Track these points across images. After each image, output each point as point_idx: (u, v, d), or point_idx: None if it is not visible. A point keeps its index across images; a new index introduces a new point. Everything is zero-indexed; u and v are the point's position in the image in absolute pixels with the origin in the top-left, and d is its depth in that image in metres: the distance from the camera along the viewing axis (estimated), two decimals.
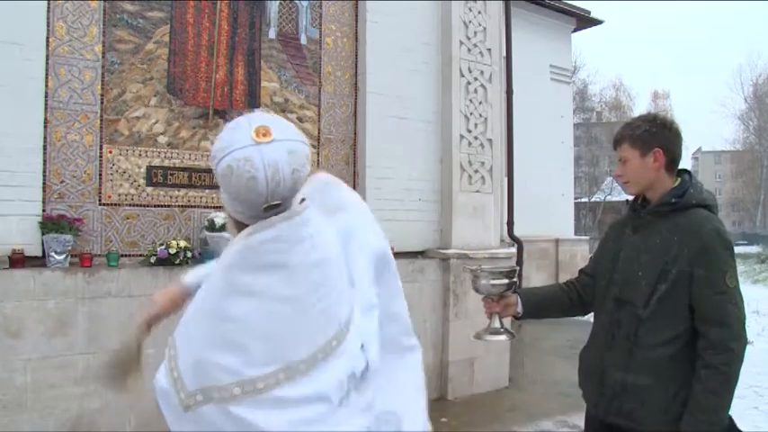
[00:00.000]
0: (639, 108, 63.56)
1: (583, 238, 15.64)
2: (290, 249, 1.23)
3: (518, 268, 2.27)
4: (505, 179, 7.67)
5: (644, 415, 2.07)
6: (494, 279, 2.16)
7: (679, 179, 2.17)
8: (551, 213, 12.65)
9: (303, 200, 1.32)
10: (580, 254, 14.31)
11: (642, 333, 2.08)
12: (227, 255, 1.27)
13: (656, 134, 2.13)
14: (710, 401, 1.94)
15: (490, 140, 6.23)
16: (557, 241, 13.30)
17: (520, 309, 2.28)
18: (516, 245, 7.64)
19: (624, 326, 2.13)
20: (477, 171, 6.11)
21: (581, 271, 2.51)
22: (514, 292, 2.28)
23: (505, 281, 2.15)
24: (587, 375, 2.31)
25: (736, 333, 1.96)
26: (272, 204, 1.23)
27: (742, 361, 1.98)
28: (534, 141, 11.44)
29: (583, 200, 44.73)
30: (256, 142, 1.20)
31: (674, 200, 2.11)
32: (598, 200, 47.28)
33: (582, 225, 38.83)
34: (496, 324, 2.21)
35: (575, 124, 23.08)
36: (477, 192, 6.11)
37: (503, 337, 2.21)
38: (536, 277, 12.52)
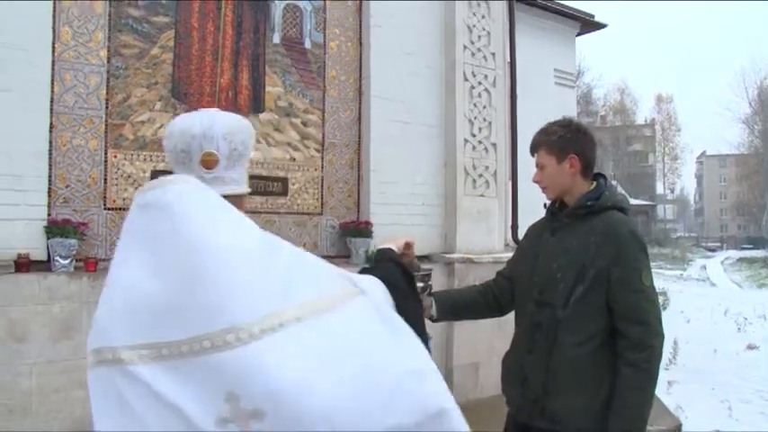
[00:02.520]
0: (643, 111, 63.63)
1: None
2: (155, 218, 1.21)
3: (431, 271, 2.27)
4: (510, 183, 7.65)
5: (566, 416, 2.10)
6: None
7: (595, 183, 2.24)
8: None
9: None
10: None
11: (561, 334, 2.12)
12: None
13: (571, 140, 2.19)
14: (635, 398, 2.00)
15: (494, 145, 6.23)
16: None
17: (434, 311, 2.30)
18: None
19: (544, 328, 2.16)
20: (481, 175, 6.11)
21: (498, 273, 2.55)
22: (429, 295, 2.29)
23: (420, 284, 2.11)
24: (510, 380, 2.34)
25: (654, 330, 2.02)
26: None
27: (661, 357, 2.05)
28: None
29: None
30: (202, 109, 1.44)
31: (589, 203, 2.17)
32: None
33: None
34: None
35: None
36: (482, 196, 6.11)
37: None
38: None
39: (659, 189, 66.37)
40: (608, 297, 2.07)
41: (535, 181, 2.31)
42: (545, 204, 2.40)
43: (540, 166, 2.26)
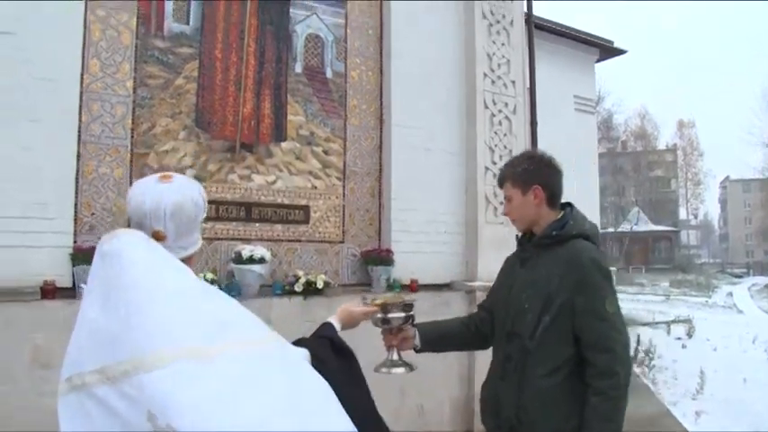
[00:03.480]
0: (665, 137, 63.19)
1: (610, 269, 15.45)
2: (103, 263, 1.47)
3: (414, 302, 2.25)
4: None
5: None
6: (391, 312, 2.17)
7: (562, 212, 2.27)
8: None
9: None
10: None
11: (530, 364, 2.13)
12: None
13: (535, 172, 2.25)
14: (604, 427, 2.01)
15: None
16: None
17: (418, 342, 2.32)
18: None
19: (514, 359, 2.19)
20: (502, 203, 6.07)
21: (479, 305, 2.60)
22: (413, 326, 2.31)
23: (402, 314, 2.17)
24: (486, 410, 2.36)
25: (620, 358, 2.04)
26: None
27: (628, 384, 2.05)
28: None
29: (609, 230, 44.25)
30: (157, 181, 1.60)
31: (554, 232, 2.21)
32: (624, 230, 46.76)
33: (608, 256, 38.40)
34: (395, 357, 2.22)
35: (600, 154, 22.96)
36: (502, 224, 6.08)
37: (401, 370, 2.19)
38: None
39: (682, 215, 65.58)
40: (574, 326, 2.09)
41: (504, 213, 2.39)
42: (516, 236, 2.45)
43: (507, 199, 2.34)
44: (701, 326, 13.72)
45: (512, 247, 6.06)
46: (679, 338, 12.07)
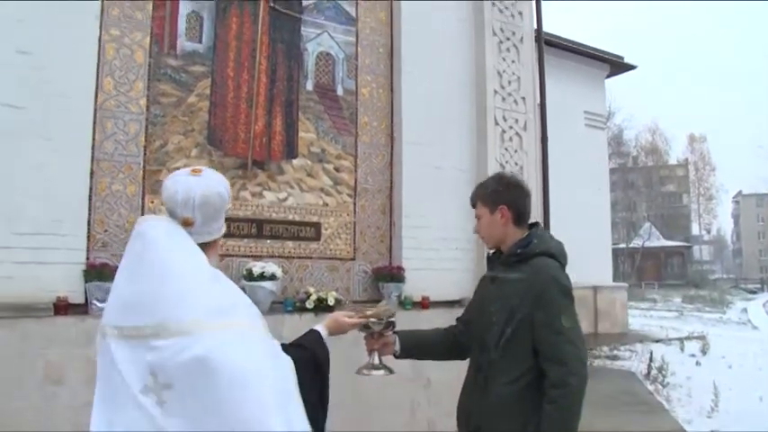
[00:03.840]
0: (676, 152, 62.94)
1: (621, 285, 15.34)
2: (134, 253, 1.73)
3: (394, 311, 2.40)
4: (541, 226, 7.61)
5: None
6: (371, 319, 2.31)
7: (527, 232, 2.40)
8: (589, 260, 12.48)
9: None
10: (619, 301, 14.03)
11: (493, 374, 2.29)
12: None
13: (502, 193, 2.40)
14: None
15: None
16: (595, 289, 13.11)
17: (397, 347, 2.46)
18: None
19: (483, 369, 2.34)
20: None
21: (457, 319, 2.71)
22: (394, 333, 2.44)
23: (380, 321, 2.30)
24: (459, 419, 2.49)
25: (572, 369, 2.14)
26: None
27: (582, 394, 2.16)
28: (570, 188, 11.37)
29: (620, 246, 43.98)
30: (189, 174, 1.82)
31: (519, 250, 2.34)
32: (636, 246, 46.46)
33: (620, 272, 38.15)
34: (375, 360, 2.36)
35: (610, 169, 22.90)
36: None
37: (380, 372, 2.34)
38: None
39: (695, 230, 65.18)
40: (533, 339, 2.21)
41: (475, 232, 2.50)
42: (487, 255, 2.59)
43: (477, 218, 2.47)
44: (716, 342, 13.56)
45: None
46: (693, 355, 11.93)
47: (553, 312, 2.18)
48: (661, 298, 31.11)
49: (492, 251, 2.53)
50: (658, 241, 48.65)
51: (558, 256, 2.34)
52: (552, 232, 7.53)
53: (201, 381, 1.53)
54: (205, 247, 1.81)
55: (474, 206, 2.50)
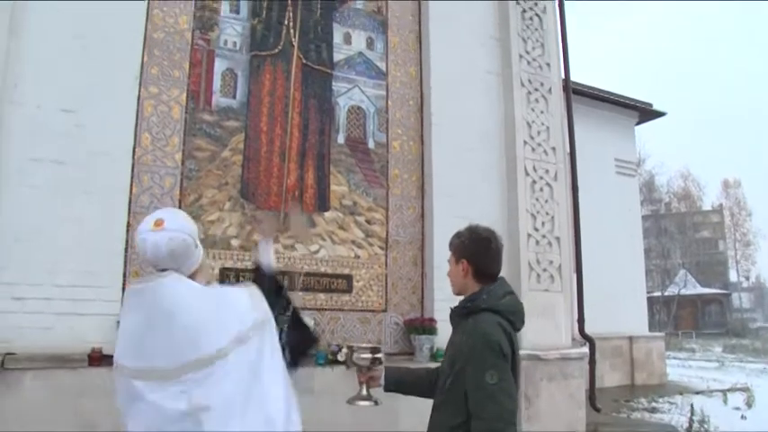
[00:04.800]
0: (710, 197, 61.94)
1: (658, 334, 14.93)
2: (143, 301, 1.96)
3: (381, 346, 2.58)
4: (574, 276, 7.51)
5: None
6: (360, 353, 2.50)
7: (482, 286, 2.47)
8: (623, 309, 12.24)
9: (171, 269, 2.01)
10: (656, 351, 13.65)
11: (440, 416, 2.41)
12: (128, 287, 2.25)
13: (467, 248, 2.49)
14: None
15: (558, 239, 6.16)
16: (630, 338, 12.79)
17: (382, 381, 2.60)
18: (588, 343, 7.37)
19: (437, 408, 2.46)
20: (545, 270, 6.02)
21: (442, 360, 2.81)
22: (380, 364, 2.58)
23: (369, 356, 2.48)
24: None
25: (490, 426, 2.22)
26: (160, 269, 2.01)
27: None
28: (602, 236, 11.23)
29: (656, 294, 43.05)
30: (151, 230, 1.98)
31: (468, 304, 2.43)
32: (672, 293, 45.41)
33: (656, 320, 37.23)
34: (363, 392, 2.52)
35: (643, 216, 22.60)
36: (546, 291, 6.00)
37: (367, 403, 2.51)
38: (610, 377, 11.97)
39: (733, 277, 63.49)
40: (465, 390, 2.30)
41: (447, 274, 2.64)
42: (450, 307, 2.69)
43: (448, 263, 2.59)
44: (761, 394, 13.05)
45: (557, 313, 5.98)
46: (737, 408, 11.47)
47: (480, 367, 2.25)
48: (700, 347, 30.20)
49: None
50: (695, 289, 47.49)
51: (504, 312, 2.40)
52: (586, 282, 7.43)
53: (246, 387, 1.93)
54: (193, 275, 2.08)
55: (450, 249, 2.64)
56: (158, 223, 2.00)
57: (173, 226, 2.03)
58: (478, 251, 2.50)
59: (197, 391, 1.86)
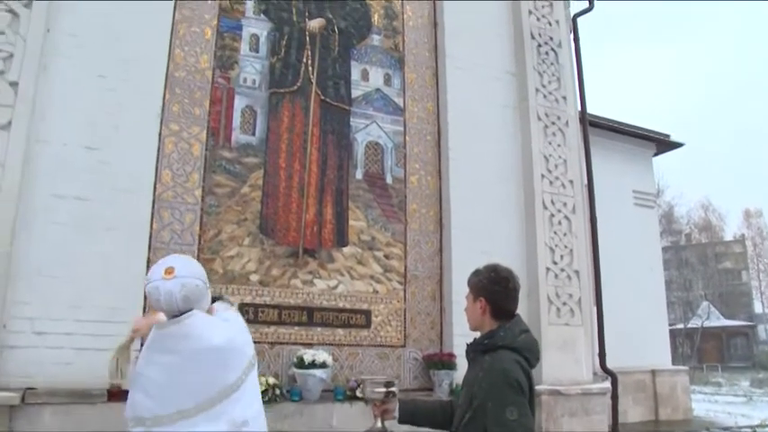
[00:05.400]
0: (731, 227, 61.17)
1: (681, 368, 14.62)
2: (177, 341, 2.08)
3: (395, 380, 2.67)
4: (594, 309, 7.42)
5: None
6: (374, 387, 2.60)
7: (499, 324, 2.51)
8: (646, 342, 12.03)
9: (191, 310, 2.12)
10: (680, 385, 13.36)
11: None
12: (149, 337, 2.16)
13: (485, 287, 2.53)
14: None
15: (577, 272, 6.12)
16: (653, 372, 12.54)
17: (396, 413, 2.67)
18: (610, 378, 7.25)
19: None
20: (565, 303, 5.97)
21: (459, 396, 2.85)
22: (394, 397, 2.66)
23: (383, 389, 2.59)
24: None
25: None
26: (174, 315, 2.10)
27: None
28: (622, 268, 11.12)
29: (678, 326, 42.30)
30: (163, 278, 2.09)
31: (486, 341, 2.48)
32: (695, 326, 44.63)
33: (680, 354, 36.51)
34: (378, 425, 2.62)
35: (663, 248, 22.37)
36: (567, 325, 5.94)
37: None
38: (633, 412, 11.71)
39: (758, 308, 62.38)
40: (486, 426, 2.32)
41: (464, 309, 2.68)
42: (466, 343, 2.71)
43: (466, 299, 2.62)
44: None
45: (577, 348, 5.90)
46: None
47: (500, 404, 2.29)
48: (726, 381, 29.53)
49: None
50: (718, 321, 46.61)
51: (521, 349, 2.45)
52: (606, 315, 7.34)
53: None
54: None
55: (468, 286, 2.68)
56: (169, 271, 2.11)
57: (184, 272, 2.14)
58: (497, 290, 2.53)
59: (235, 410, 2.09)
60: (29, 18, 4.45)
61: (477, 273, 2.61)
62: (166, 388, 2.07)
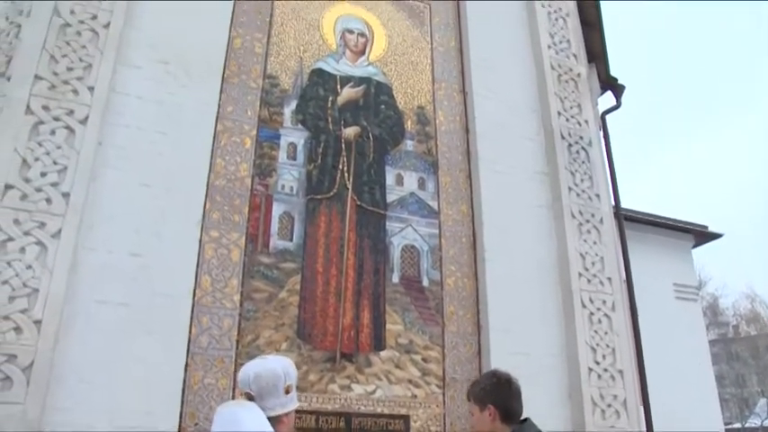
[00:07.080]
0: None
1: None
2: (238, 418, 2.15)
3: None
4: (641, 409, 7.13)
5: None
6: None
7: (512, 428, 2.58)
8: None
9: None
10: None
11: None
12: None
13: (491, 392, 2.59)
14: None
15: (620, 371, 5.94)
16: None
17: None
18: None
19: None
20: (610, 405, 5.76)
21: None
22: None
23: None
24: None
25: None
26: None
27: None
28: (668, 365, 10.74)
29: (735, 426, 40.03)
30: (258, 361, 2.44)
31: None
32: (754, 425, 42.13)
33: None
34: None
35: (710, 341, 21.58)
36: (613, 427, 5.71)
37: None
38: None
39: None
40: None
41: (470, 427, 2.81)
42: None
43: (470, 413, 2.69)
44: None
45: None
46: None
47: None
48: None
49: None
50: None
51: None
52: (655, 415, 7.04)
53: None
54: (272, 421, 2.20)
55: (469, 401, 2.71)
56: (263, 357, 2.47)
57: (273, 358, 2.44)
58: (503, 393, 2.61)
59: None
60: (83, 133, 4.72)
61: (476, 383, 2.71)
62: None
